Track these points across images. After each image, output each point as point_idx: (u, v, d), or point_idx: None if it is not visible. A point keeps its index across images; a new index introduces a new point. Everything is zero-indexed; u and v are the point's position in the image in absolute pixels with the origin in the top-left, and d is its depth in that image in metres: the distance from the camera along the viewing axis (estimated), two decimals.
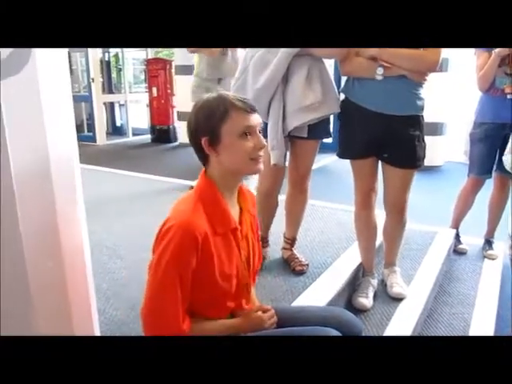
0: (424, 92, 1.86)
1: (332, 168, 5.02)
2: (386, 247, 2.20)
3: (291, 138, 1.99)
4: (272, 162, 1.90)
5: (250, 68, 1.91)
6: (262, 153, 1.10)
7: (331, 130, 2.07)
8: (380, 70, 1.77)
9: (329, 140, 2.20)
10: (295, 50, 1.84)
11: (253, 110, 1.09)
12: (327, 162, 5.16)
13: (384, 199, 2.00)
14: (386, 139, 1.84)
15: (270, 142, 1.88)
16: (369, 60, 1.78)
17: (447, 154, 5.52)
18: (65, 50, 1.01)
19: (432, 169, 5.10)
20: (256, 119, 1.10)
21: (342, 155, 1.96)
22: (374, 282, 2.13)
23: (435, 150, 4.98)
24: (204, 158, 1.13)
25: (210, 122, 1.08)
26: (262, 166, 1.12)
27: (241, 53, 2.68)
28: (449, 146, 5.50)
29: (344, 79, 1.96)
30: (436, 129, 5.20)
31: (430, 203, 3.75)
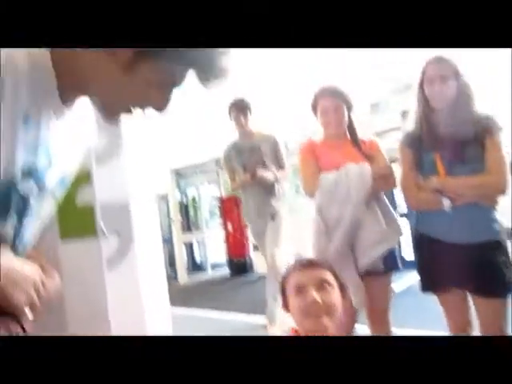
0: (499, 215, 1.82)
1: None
2: None
3: (365, 279, 1.98)
4: (356, 307, 1.88)
5: (322, 224, 1.98)
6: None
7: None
8: (447, 202, 1.79)
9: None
10: (362, 198, 1.91)
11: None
12: (412, 281, 4.91)
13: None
14: (466, 270, 1.77)
15: (351, 288, 1.84)
16: (433, 193, 1.81)
17: None
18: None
19: None
20: (311, 274, 1.17)
21: (424, 289, 1.90)
22: None
23: None
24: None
25: (281, 285, 1.22)
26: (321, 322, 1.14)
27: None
28: None
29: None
30: None
31: None
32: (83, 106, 0.87)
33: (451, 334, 1.86)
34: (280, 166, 3.42)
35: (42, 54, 0.75)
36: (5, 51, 0.67)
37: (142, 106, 0.81)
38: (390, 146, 2.28)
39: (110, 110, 0.80)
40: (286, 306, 1.24)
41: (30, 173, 0.75)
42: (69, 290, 0.94)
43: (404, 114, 5.27)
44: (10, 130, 0.69)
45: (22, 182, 0.74)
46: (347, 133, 2.09)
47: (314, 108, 2.08)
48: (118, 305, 0.98)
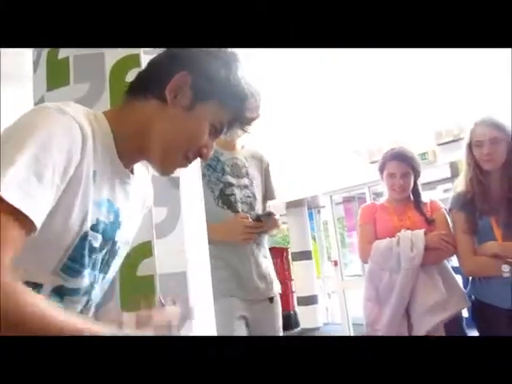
0: None
1: None
2: None
3: None
4: None
5: (373, 292, 1.96)
6: None
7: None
8: (506, 268, 1.71)
9: None
10: (414, 266, 1.87)
11: None
12: None
13: None
14: None
15: None
16: (491, 258, 1.75)
17: None
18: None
19: None
20: None
21: None
22: None
23: None
24: None
25: None
26: None
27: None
28: None
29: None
30: None
31: None
32: (142, 171, 0.94)
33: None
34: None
35: (99, 117, 0.80)
36: (73, 118, 0.71)
37: (195, 154, 0.85)
38: (439, 196, 2.23)
39: (168, 163, 0.84)
40: None
41: (98, 227, 0.78)
42: None
43: (453, 165, 5.20)
44: (83, 186, 0.74)
45: (92, 236, 0.77)
46: (411, 195, 2.08)
47: (381, 170, 2.08)
48: None
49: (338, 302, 5.85)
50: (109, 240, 0.83)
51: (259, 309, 1.72)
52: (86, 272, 0.79)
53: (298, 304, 6.98)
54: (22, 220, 0.62)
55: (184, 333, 1.06)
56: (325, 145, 5.55)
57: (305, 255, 6.84)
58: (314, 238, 8.08)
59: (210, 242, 1.26)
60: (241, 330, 1.65)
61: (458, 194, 1.89)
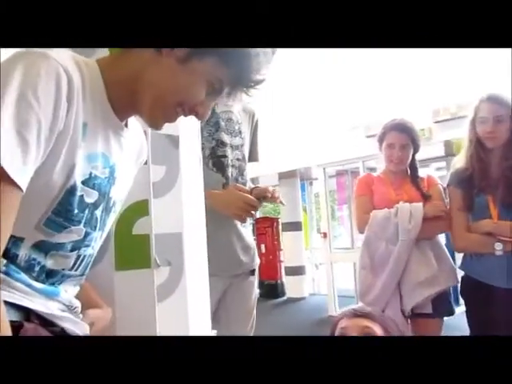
0: None
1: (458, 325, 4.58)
2: None
3: (412, 320, 1.92)
4: None
5: (368, 261, 1.96)
6: None
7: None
8: (499, 246, 1.72)
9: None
10: (411, 239, 1.87)
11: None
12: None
13: None
14: None
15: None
16: (484, 236, 1.76)
17: None
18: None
19: None
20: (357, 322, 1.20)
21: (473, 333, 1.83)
22: None
23: None
24: None
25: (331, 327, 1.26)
26: None
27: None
28: None
29: None
30: None
31: None
32: (135, 124, 0.91)
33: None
34: None
35: (90, 64, 0.77)
36: (57, 61, 0.68)
37: (189, 111, 0.81)
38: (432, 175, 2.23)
39: (156, 114, 0.80)
40: None
41: (92, 181, 0.76)
42: (121, 321, 0.95)
43: (447, 144, 5.20)
44: (70, 137, 0.70)
45: (85, 191, 0.75)
46: (408, 169, 2.07)
47: (381, 141, 2.05)
48: (167, 335, 0.99)
49: (325, 273, 5.92)
50: (104, 196, 0.80)
51: (239, 282, 1.64)
52: (74, 227, 0.76)
53: (286, 274, 7.07)
54: (9, 183, 0.60)
55: (177, 296, 1.06)
56: (321, 117, 5.50)
57: (294, 226, 6.88)
58: (304, 210, 8.12)
59: None
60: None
61: (456, 171, 1.88)
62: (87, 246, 0.81)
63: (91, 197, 0.77)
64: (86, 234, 0.79)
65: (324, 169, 6.06)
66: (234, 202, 1.50)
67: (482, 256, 1.77)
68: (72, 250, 0.78)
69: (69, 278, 0.80)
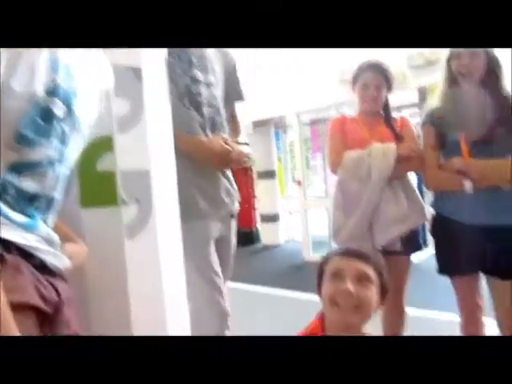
0: None
1: (427, 266, 4.76)
2: None
3: (383, 255, 1.97)
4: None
5: (341, 201, 1.97)
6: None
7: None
8: (468, 184, 1.74)
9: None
10: (384, 178, 1.88)
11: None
12: (421, 258, 4.91)
13: (497, 321, 1.79)
14: (486, 253, 1.74)
15: None
16: (455, 174, 1.77)
17: None
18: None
19: None
20: (353, 265, 1.14)
21: (441, 271, 1.88)
22: None
23: None
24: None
25: (319, 266, 1.22)
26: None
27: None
28: None
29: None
30: None
31: None
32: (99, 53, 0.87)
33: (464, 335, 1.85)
34: None
35: None
36: None
37: None
38: None
39: None
40: (319, 289, 1.20)
41: (55, 91, 0.74)
42: (90, 258, 0.93)
43: (421, 91, 5.18)
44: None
45: (50, 101, 0.73)
46: (381, 111, 2.06)
47: (355, 81, 2.03)
48: (137, 273, 0.98)
49: (300, 220, 6.01)
50: (69, 108, 0.78)
51: (222, 226, 1.65)
52: (45, 141, 0.74)
53: (261, 221, 7.14)
54: None
55: (147, 234, 1.03)
56: (295, 64, 5.37)
57: (269, 174, 6.88)
58: (279, 160, 8.10)
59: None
60: (214, 254, 1.58)
61: (431, 109, 1.88)
62: (60, 162, 0.79)
63: (56, 107, 0.75)
64: (58, 150, 0.77)
65: (298, 116, 6.00)
66: (216, 155, 1.51)
67: (452, 194, 1.80)
68: (46, 167, 0.76)
69: (46, 203, 0.79)
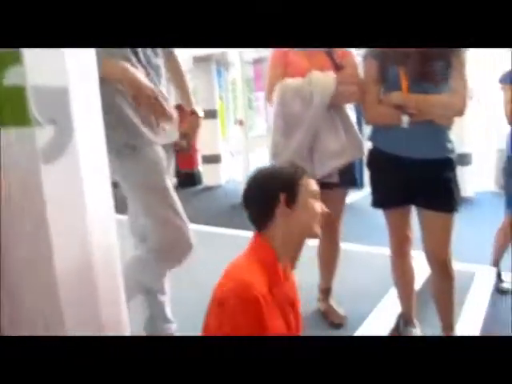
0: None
1: (361, 205, 4.95)
2: (438, 310, 1.94)
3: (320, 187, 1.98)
4: None
5: (281, 124, 1.93)
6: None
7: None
8: (405, 118, 1.76)
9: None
10: (323, 106, 1.86)
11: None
12: (355, 198, 5.09)
13: (425, 252, 1.88)
14: (419, 185, 1.80)
15: None
16: (393, 108, 1.78)
17: (477, 184, 5.39)
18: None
19: (464, 200, 4.95)
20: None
21: (375, 204, 1.93)
22: (416, 331, 2.04)
23: (464, 180, 4.87)
24: (267, 220, 1.13)
25: (291, 178, 1.16)
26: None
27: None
28: (477, 176, 5.36)
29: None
30: (463, 159, 5.10)
31: (466, 238, 3.63)
32: None
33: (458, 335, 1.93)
34: None
35: None
36: None
37: None
38: None
39: None
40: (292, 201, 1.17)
41: None
42: (7, 183, 0.83)
43: None
44: None
45: None
46: None
47: None
48: (57, 202, 0.89)
49: (241, 161, 5.97)
50: None
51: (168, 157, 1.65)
52: None
53: (202, 162, 7.03)
54: None
55: (67, 158, 0.93)
56: None
57: (210, 114, 6.68)
58: (221, 98, 7.89)
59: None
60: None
61: None
62: None
63: None
64: None
65: (240, 53, 5.79)
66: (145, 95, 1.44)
67: (389, 128, 1.81)
68: None
69: None
